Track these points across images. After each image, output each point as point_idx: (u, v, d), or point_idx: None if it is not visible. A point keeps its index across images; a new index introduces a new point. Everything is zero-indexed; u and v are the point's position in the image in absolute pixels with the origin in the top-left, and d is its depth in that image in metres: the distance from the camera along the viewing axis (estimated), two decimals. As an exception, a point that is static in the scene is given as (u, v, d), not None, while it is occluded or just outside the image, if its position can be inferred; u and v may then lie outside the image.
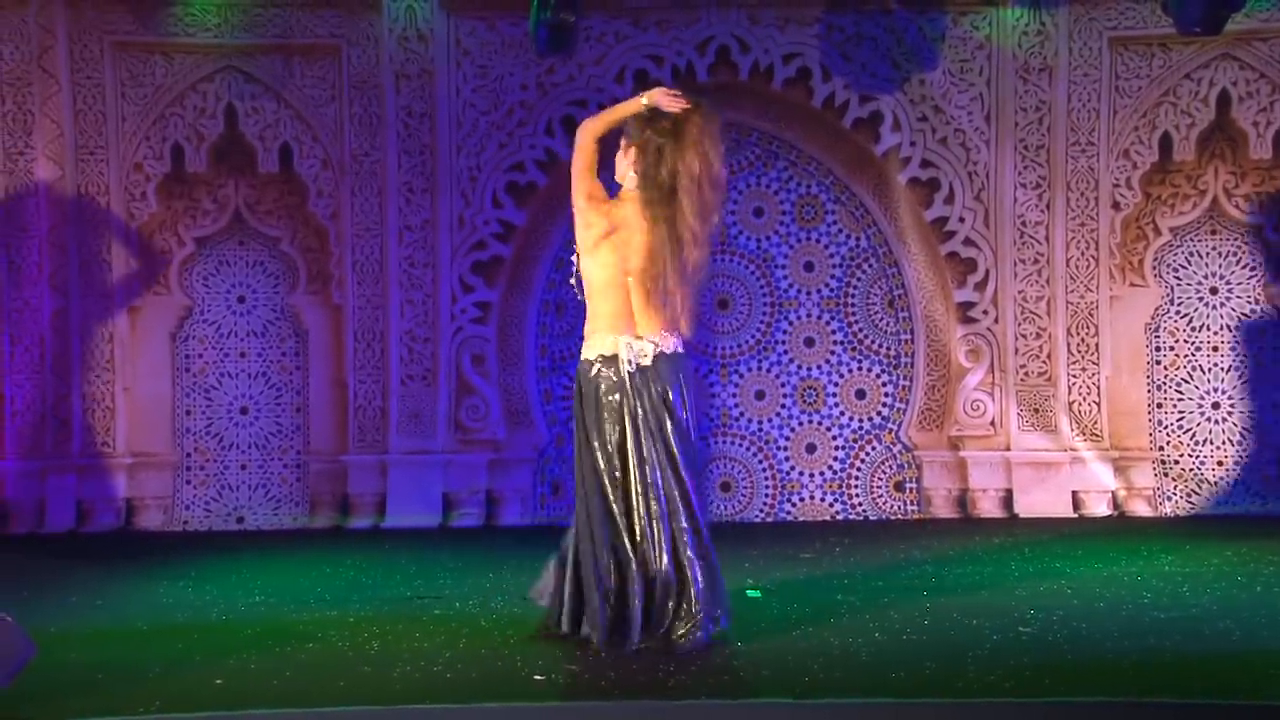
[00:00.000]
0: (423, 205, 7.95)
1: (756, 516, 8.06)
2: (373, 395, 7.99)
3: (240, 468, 8.13)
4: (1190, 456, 7.93)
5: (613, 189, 4.66)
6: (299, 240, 8.10)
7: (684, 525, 4.32)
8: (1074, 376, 7.90)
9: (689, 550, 4.29)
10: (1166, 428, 7.92)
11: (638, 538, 4.29)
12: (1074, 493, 7.86)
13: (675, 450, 4.37)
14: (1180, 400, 7.93)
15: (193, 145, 7.94)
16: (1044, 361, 7.95)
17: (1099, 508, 7.85)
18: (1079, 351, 7.90)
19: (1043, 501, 7.84)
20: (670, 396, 4.37)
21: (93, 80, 7.86)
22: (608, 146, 4.60)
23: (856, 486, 8.16)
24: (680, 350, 4.45)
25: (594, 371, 4.43)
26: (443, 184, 7.94)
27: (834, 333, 8.24)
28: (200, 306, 8.13)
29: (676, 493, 4.35)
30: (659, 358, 4.39)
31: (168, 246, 8.05)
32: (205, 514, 8.06)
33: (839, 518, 8.08)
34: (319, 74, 7.94)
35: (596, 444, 4.42)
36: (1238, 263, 7.94)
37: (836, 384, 8.23)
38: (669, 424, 4.38)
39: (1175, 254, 7.95)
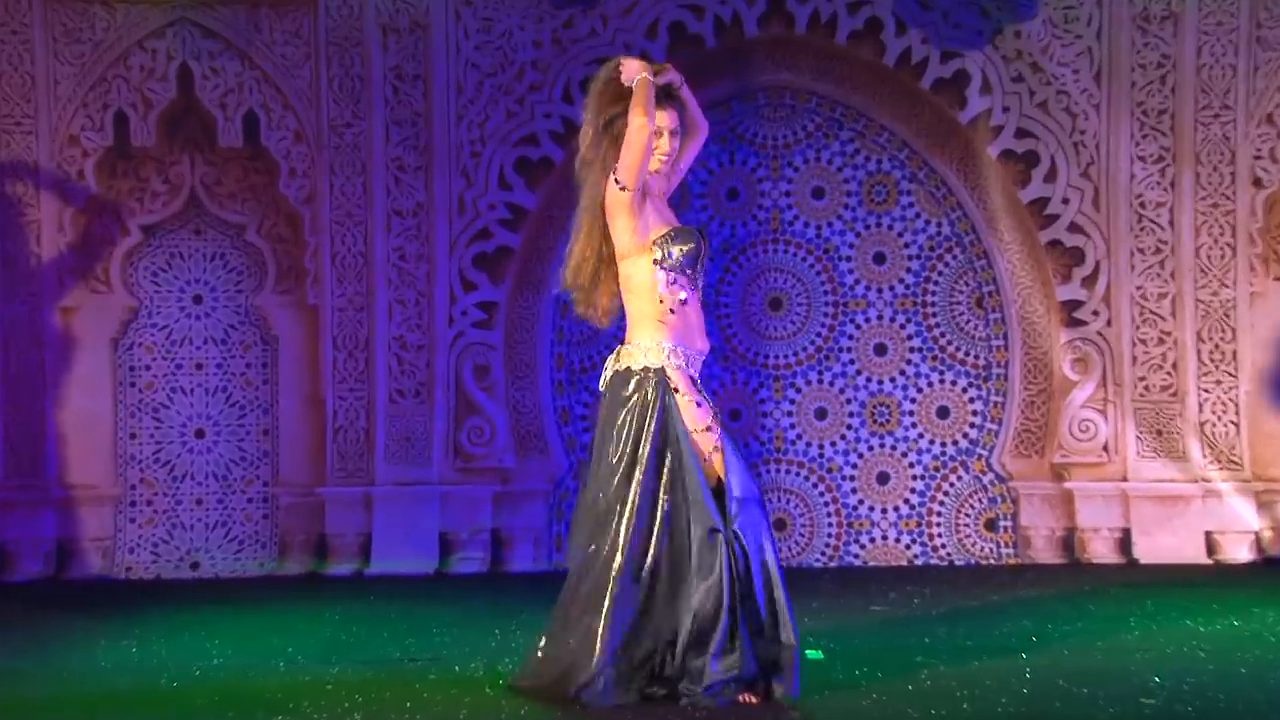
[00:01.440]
0: (415, 186, 7.97)
1: (817, 560, 8.09)
2: (355, 415, 8.00)
3: (195, 503, 8.16)
4: (1355, 489, 7.91)
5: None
6: (267, 228, 8.13)
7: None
8: (1206, 391, 7.90)
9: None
10: (1319, 453, 7.89)
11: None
12: (1207, 533, 7.85)
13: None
14: (1342, 420, 7.96)
15: (139, 114, 7.96)
16: (1168, 373, 7.96)
17: (1239, 552, 7.84)
18: (1212, 361, 7.90)
19: (1168, 544, 7.85)
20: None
21: (18, 36, 7.91)
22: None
23: (939, 525, 8.16)
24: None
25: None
26: (439, 160, 7.96)
27: (910, 338, 8.25)
28: (148, 308, 8.15)
29: None
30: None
31: (109, 235, 8.07)
32: (153, 558, 8.08)
33: (918, 562, 8.11)
34: (291, 28, 7.97)
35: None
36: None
37: (914, 400, 8.24)
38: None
39: (1330, 241, 7.94)
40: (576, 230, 4.67)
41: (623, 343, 4.69)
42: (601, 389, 4.66)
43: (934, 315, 8.23)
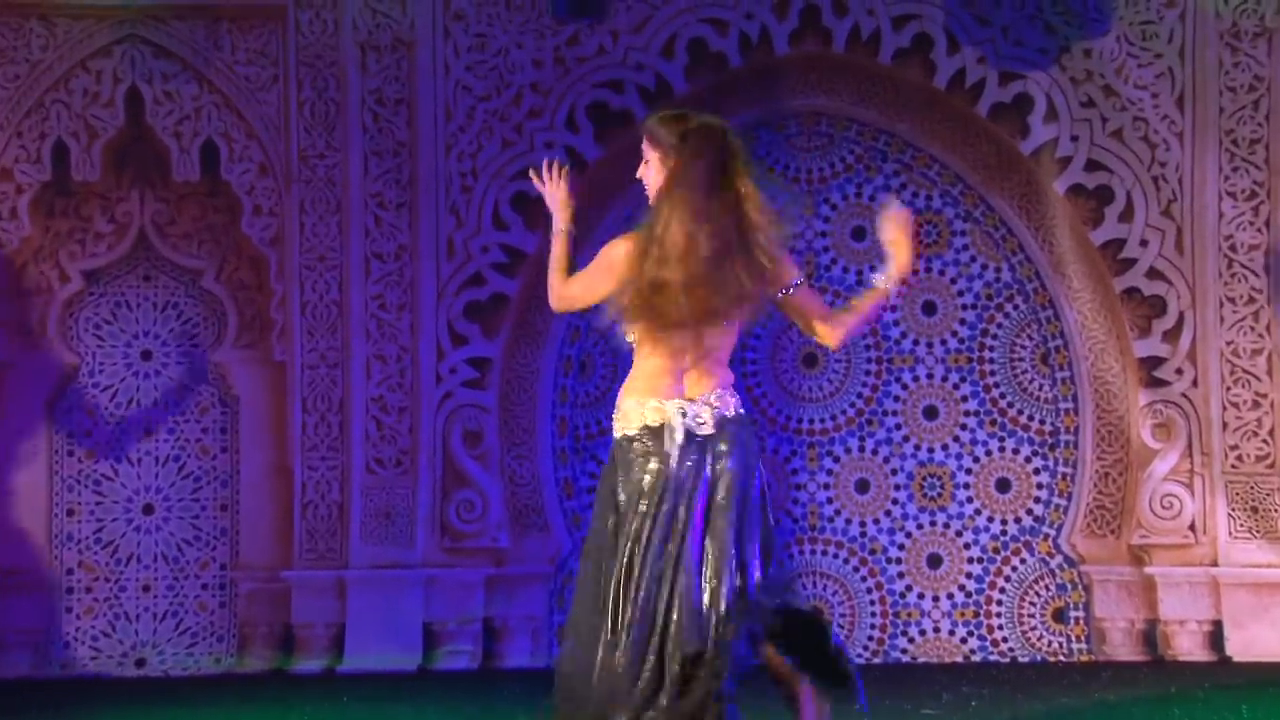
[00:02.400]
0: (398, 226, 8.01)
1: (859, 655, 8.11)
2: (327, 487, 8.01)
3: (142, 589, 8.10)
4: None
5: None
6: (227, 274, 8.15)
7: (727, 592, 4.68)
8: (1309, 462, 7.88)
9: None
10: None
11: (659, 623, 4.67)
12: (1311, 627, 7.81)
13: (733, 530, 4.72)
14: None
15: (81, 144, 7.97)
16: (1264, 440, 7.91)
17: (1349, 648, 7.81)
18: (1316, 427, 7.87)
19: (1267, 639, 7.80)
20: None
21: (-58, 55, 7.95)
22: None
23: (999, 615, 8.12)
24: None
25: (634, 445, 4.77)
26: (425, 197, 7.99)
27: (965, 399, 8.22)
28: (90, 365, 8.15)
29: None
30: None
31: (45, 283, 8.08)
32: (93, 654, 8.03)
33: (975, 658, 8.07)
34: (256, 45, 8.00)
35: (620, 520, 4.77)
36: None
37: (970, 471, 8.21)
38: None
39: None
40: None
41: (724, 388, 4.78)
42: (732, 445, 4.74)
43: (992, 374, 8.21)
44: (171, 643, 8.03)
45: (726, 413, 4.76)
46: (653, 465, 4.72)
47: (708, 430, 4.71)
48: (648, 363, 4.78)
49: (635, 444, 4.74)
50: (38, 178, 7.93)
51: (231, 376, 8.10)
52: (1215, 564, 7.84)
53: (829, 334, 4.85)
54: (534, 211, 7.97)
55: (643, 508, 4.69)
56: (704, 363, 4.74)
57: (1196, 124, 7.85)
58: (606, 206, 7.98)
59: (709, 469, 4.73)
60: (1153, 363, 7.96)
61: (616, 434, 4.81)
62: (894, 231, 4.83)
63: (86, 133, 7.92)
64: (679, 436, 4.69)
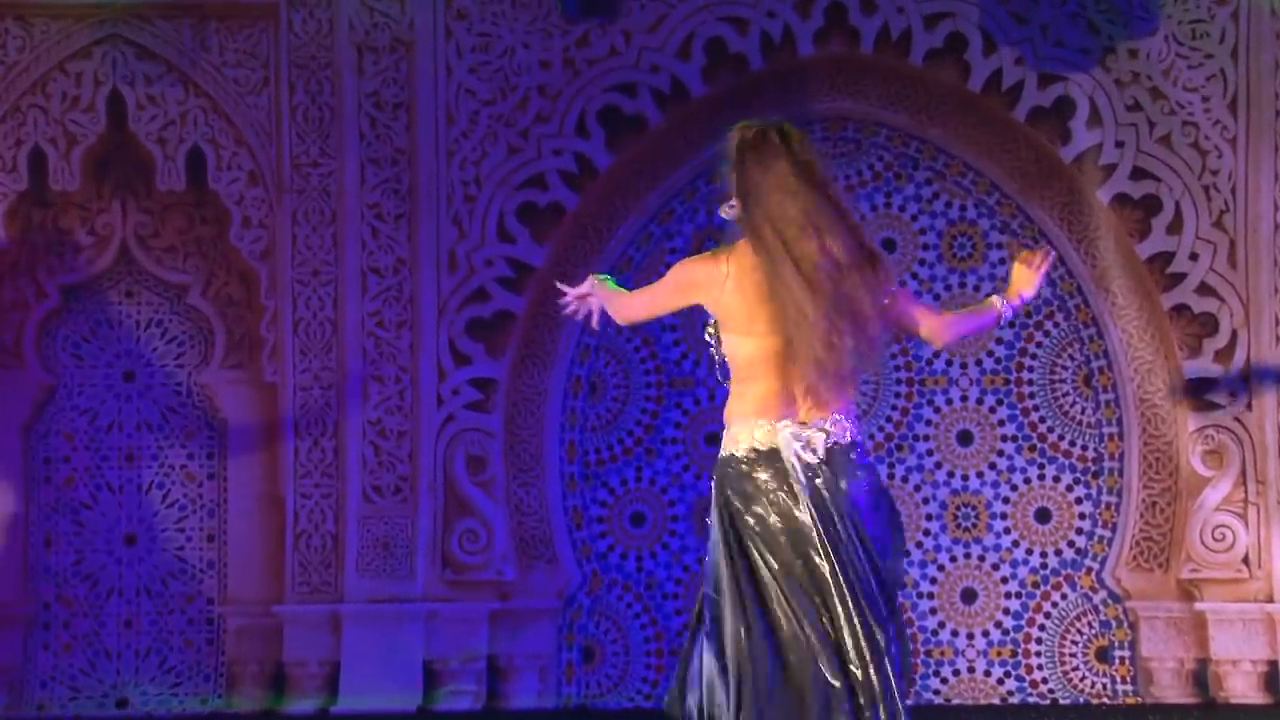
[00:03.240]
0: (397, 238, 8.04)
1: None
2: (322, 517, 8.03)
3: (124, 625, 8.09)
4: None
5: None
6: (215, 289, 8.15)
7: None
8: (1372, 491, 7.82)
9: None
10: None
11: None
12: (1377, 667, 7.84)
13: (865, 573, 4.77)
14: None
15: (60, 151, 7.99)
16: None
17: None
18: (1379, 453, 7.83)
19: None
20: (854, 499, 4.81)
21: (-90, 58, 8.02)
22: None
23: (1039, 654, 8.10)
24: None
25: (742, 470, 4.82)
26: (426, 207, 8.02)
27: (1002, 424, 8.19)
28: (68, 386, 8.15)
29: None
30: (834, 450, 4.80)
31: (21, 299, 8.08)
32: (71, 694, 8.03)
33: (1013, 700, 8.05)
34: (246, 47, 8.02)
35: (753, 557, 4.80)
36: None
37: (1007, 500, 8.18)
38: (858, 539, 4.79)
39: None
40: None
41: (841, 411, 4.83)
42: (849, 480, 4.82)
43: (1031, 396, 8.18)
44: (155, 682, 8.03)
45: (841, 439, 4.79)
46: (778, 501, 4.75)
47: (812, 459, 4.74)
48: (759, 385, 4.79)
49: (743, 466, 4.78)
50: (13, 187, 7.95)
51: (219, 399, 8.09)
52: (1271, 600, 7.82)
53: (938, 332, 4.90)
54: (542, 223, 8.05)
55: (773, 561, 4.73)
56: (824, 384, 4.74)
57: (1250, 129, 7.84)
58: (620, 217, 8.03)
59: (833, 507, 4.76)
60: (1203, 384, 7.94)
61: (723, 453, 4.85)
62: (1027, 262, 5.01)
63: (65, 139, 7.96)
64: (798, 469, 4.73)
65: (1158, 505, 8.01)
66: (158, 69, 7.93)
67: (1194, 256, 7.92)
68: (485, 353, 8.04)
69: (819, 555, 4.70)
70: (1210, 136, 7.86)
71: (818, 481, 4.74)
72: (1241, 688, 7.84)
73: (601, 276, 5.10)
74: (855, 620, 4.68)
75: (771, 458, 4.75)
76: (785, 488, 4.74)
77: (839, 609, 4.68)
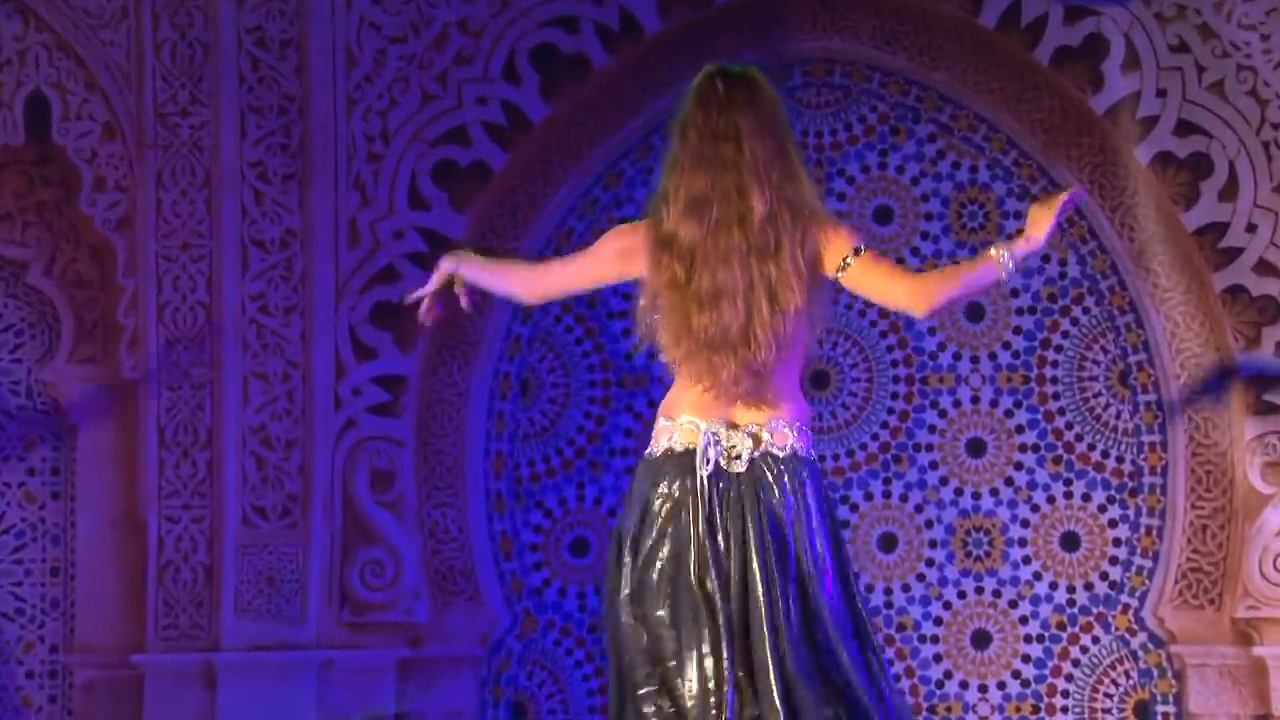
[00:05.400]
0: (285, 204, 8.05)
1: None
2: (192, 545, 8.00)
3: None
4: None
5: None
6: (61, 267, 8.14)
7: None
8: None
9: None
10: None
11: None
12: None
13: (815, 607, 4.92)
14: None
15: None
16: None
17: None
18: None
19: None
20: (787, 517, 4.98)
21: None
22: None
23: (1066, 710, 8.10)
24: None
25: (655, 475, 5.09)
26: (320, 166, 8.05)
27: (1021, 430, 8.22)
28: None
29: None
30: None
31: None
32: None
33: None
34: None
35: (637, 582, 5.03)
36: None
37: (1027, 523, 8.19)
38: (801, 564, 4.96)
39: None
40: None
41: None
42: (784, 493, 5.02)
43: (1056, 397, 8.17)
44: (-14, 749, 8.02)
45: (776, 450, 4.94)
46: (669, 494, 4.99)
47: (739, 468, 4.93)
48: (690, 378, 5.03)
49: (653, 471, 5.03)
50: None
51: (66, 400, 8.08)
52: (1343, 643, 7.98)
53: (917, 296, 4.91)
54: (463, 186, 8.07)
55: (657, 556, 4.96)
56: (751, 386, 4.96)
57: (1319, 74, 7.97)
58: (557, 180, 8.08)
59: (752, 523, 4.93)
60: (1264, 383, 7.95)
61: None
62: (1043, 205, 4.95)
63: (-127, 83, 8.03)
64: (704, 481, 4.94)
65: (1208, 529, 7.99)
66: (-10, -4, 7.96)
67: (1251, 228, 7.92)
68: (393, 344, 8.04)
69: (716, 589, 4.86)
70: (1271, 83, 7.88)
71: (732, 495, 4.92)
72: (1310, 749, 8.00)
73: (457, 253, 5.24)
74: (763, 676, 4.84)
75: (684, 462, 4.96)
76: (689, 502, 4.94)
77: (727, 655, 4.84)
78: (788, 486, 4.93)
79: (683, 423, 4.99)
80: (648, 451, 5.09)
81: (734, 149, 4.94)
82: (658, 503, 4.99)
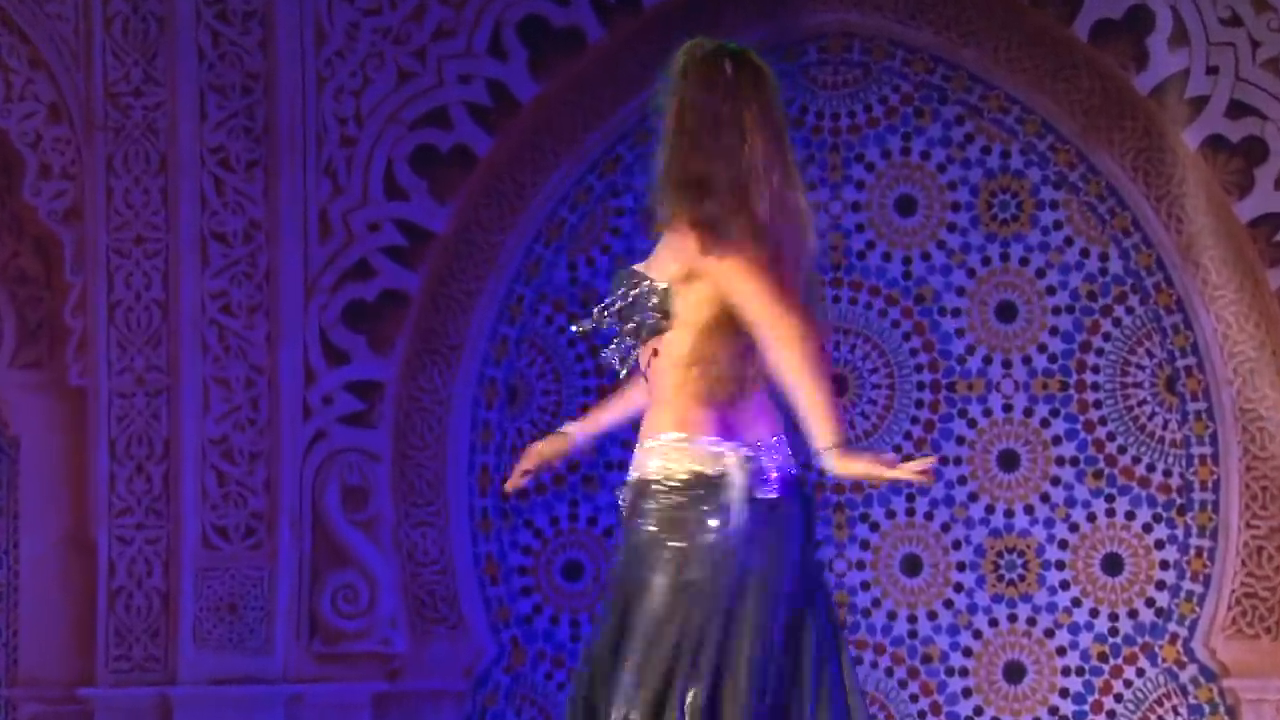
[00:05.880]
0: (249, 193, 8.02)
1: None
2: (147, 568, 7.96)
3: None
4: None
5: None
6: (1, 262, 8.14)
7: None
8: None
9: None
10: None
11: None
12: None
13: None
14: None
15: None
16: None
17: None
18: None
19: None
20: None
21: None
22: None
23: None
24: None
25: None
26: (287, 152, 8.03)
27: (1058, 441, 8.18)
28: None
29: None
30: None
31: None
32: None
33: None
34: None
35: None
36: None
37: (1065, 544, 8.13)
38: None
39: None
40: None
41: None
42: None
43: (1097, 405, 8.15)
44: (-79, 795, 7.93)
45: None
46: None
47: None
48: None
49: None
50: None
51: (8, 410, 8.10)
52: None
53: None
54: (444, 173, 8.06)
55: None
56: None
57: (1385, 51, 7.91)
58: (548, 166, 8.07)
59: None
60: None
61: None
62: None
63: None
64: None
65: (1264, 551, 7.99)
66: (-82, -37, 7.98)
67: (1313, 220, 7.95)
68: (367, 347, 8.01)
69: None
70: (1333, 59, 7.90)
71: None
72: (1380, 796, 8.07)
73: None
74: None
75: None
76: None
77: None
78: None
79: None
80: (754, 488, 4.82)
81: (738, 139, 4.87)
82: None
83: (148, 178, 7.93)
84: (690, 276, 4.83)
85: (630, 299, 4.90)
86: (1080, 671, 8.04)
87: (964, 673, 8.07)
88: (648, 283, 4.89)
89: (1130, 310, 8.13)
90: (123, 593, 7.87)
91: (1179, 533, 8.07)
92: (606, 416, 5.19)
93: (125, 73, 7.91)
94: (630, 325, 4.89)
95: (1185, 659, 8.00)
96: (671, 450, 4.82)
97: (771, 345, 4.73)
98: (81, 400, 7.93)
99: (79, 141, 7.91)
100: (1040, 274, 8.15)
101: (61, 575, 7.98)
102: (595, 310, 4.95)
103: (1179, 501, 8.08)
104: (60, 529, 8.00)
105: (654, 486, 4.83)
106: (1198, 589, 8.01)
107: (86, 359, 7.89)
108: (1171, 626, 8.02)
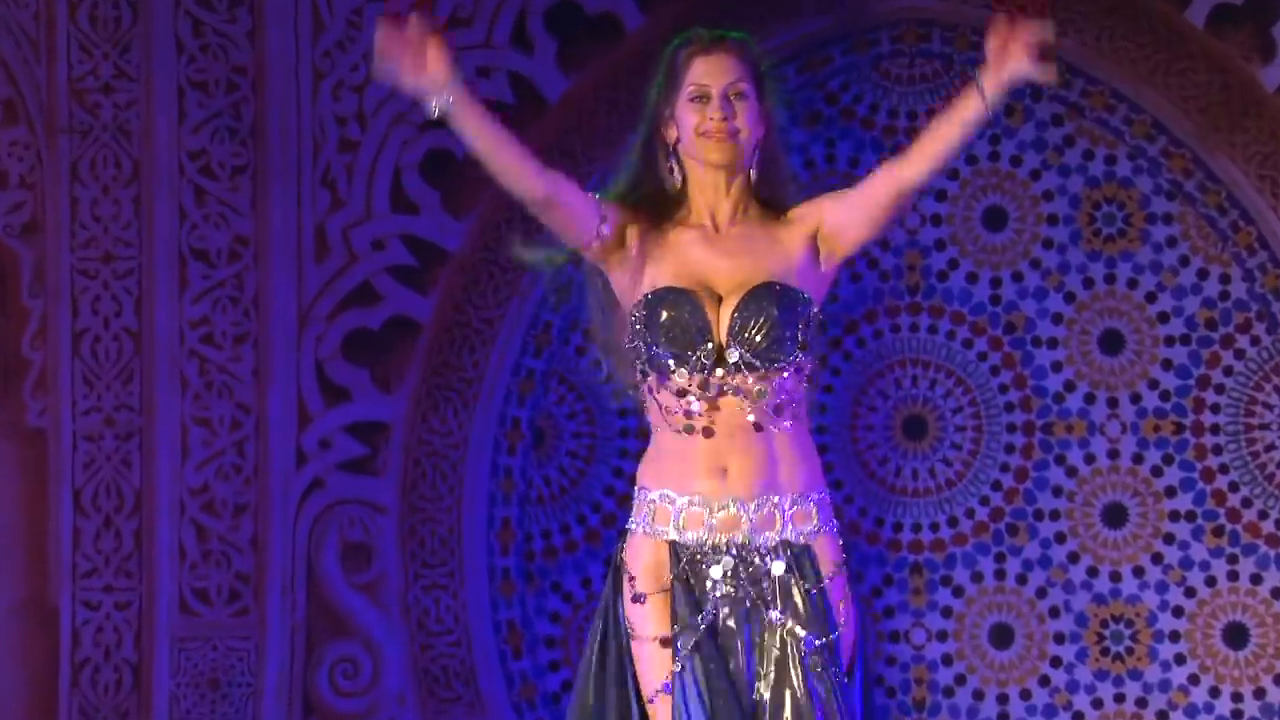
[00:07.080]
0: (234, 205, 7.96)
1: None
2: (116, 637, 7.89)
3: None
4: None
5: None
6: None
7: None
8: None
9: None
10: None
11: None
12: None
13: None
14: None
15: None
16: None
17: None
18: None
19: None
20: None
21: None
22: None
23: None
24: None
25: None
26: (279, 158, 7.97)
27: (1173, 493, 8.04)
28: None
29: None
30: None
31: None
32: None
33: None
34: None
35: None
36: None
37: (1181, 612, 7.98)
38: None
39: None
40: None
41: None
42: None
43: (1217, 451, 7.96)
44: None
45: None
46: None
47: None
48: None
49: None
50: None
51: None
52: None
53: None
54: (459, 183, 7.94)
55: None
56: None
57: None
58: (582, 172, 7.96)
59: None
60: None
61: None
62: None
63: None
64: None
65: None
66: None
67: None
68: (371, 383, 7.94)
69: None
70: None
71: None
72: None
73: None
74: None
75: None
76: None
77: None
78: None
79: None
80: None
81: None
82: None
83: (118, 187, 7.88)
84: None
85: None
86: (1200, 761, 8.20)
87: (1064, 762, 8.19)
88: None
89: (1256, 340, 7.97)
90: (88, 665, 7.82)
91: (1314, 599, 8.20)
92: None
93: (93, 66, 7.87)
94: None
95: (1325, 747, 8.10)
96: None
97: (872, 179, 4.87)
98: (42, 444, 7.88)
99: (39, 145, 7.89)
100: (1151, 298, 8.04)
101: (18, 646, 7.91)
102: None
103: (1313, 563, 8.24)
104: (16, 593, 7.94)
105: None
106: (1337, 665, 8.15)
107: (47, 397, 7.86)
108: (1308, 709, 8.13)
